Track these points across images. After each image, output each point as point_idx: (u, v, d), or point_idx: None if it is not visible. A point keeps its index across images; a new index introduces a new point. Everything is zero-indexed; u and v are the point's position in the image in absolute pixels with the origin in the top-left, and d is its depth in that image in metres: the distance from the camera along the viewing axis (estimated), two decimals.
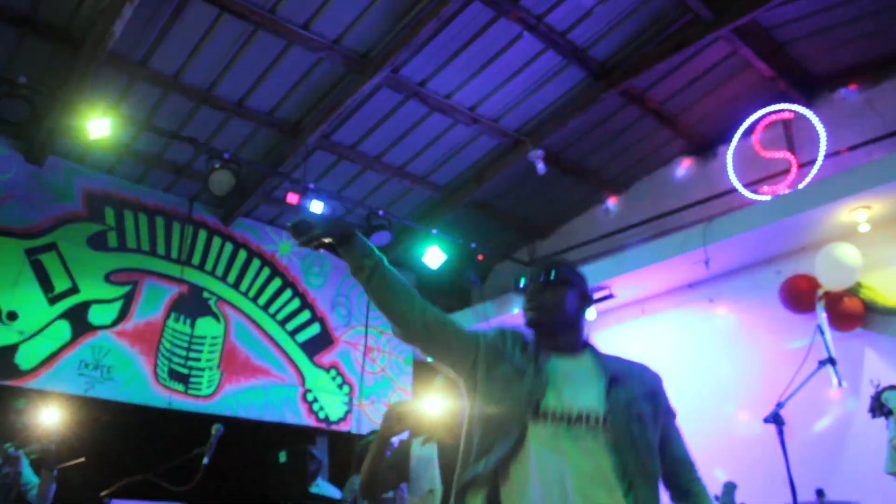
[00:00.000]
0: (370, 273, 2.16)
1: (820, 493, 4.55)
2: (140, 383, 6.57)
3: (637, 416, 2.05)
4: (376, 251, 2.21)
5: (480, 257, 7.47)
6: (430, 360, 2.28)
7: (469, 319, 8.05)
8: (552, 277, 2.28)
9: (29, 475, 4.93)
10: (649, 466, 2.02)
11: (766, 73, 6.46)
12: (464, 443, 2.15)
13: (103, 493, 4.19)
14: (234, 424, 4.85)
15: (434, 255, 7.16)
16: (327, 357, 7.83)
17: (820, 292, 5.70)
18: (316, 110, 6.44)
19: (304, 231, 2.15)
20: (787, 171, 6.35)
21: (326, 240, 2.17)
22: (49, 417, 4.98)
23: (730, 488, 4.13)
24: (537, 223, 8.49)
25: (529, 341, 2.25)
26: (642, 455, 2.01)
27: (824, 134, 6.14)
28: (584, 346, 2.29)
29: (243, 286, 7.51)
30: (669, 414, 2.22)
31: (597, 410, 2.04)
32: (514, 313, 7.64)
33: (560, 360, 2.19)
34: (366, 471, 3.20)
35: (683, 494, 2.21)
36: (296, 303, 7.87)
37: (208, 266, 7.34)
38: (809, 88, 6.61)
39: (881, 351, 5.63)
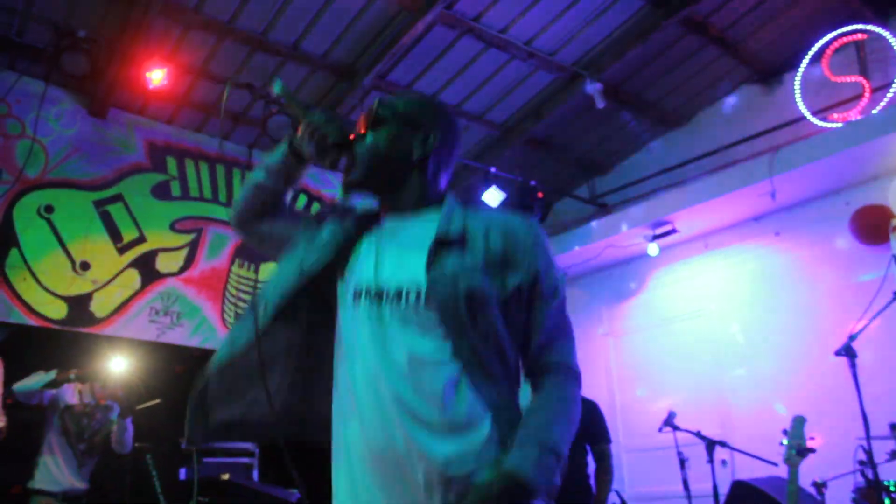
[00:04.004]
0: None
1: (894, 427, 4.45)
2: (209, 329, 6.75)
3: (467, 294, 1.53)
4: None
5: (540, 195, 7.40)
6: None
7: None
8: (370, 120, 1.75)
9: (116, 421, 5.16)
10: (483, 356, 1.53)
11: None
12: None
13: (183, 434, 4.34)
14: None
15: (492, 194, 7.11)
16: None
17: (893, 223, 5.51)
18: (370, 51, 6.38)
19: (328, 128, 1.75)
20: (859, 97, 6.08)
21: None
22: (130, 365, 5.14)
23: (799, 422, 4.07)
24: (597, 159, 8.35)
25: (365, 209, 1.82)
26: (476, 342, 1.52)
27: None
28: (433, 201, 1.74)
29: None
30: (537, 289, 1.61)
31: (417, 284, 1.56)
32: (575, 251, 7.60)
33: (393, 224, 1.72)
34: None
35: (535, 387, 1.61)
36: None
37: None
38: (885, 6, 6.27)
39: None
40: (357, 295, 1.61)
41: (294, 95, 1.84)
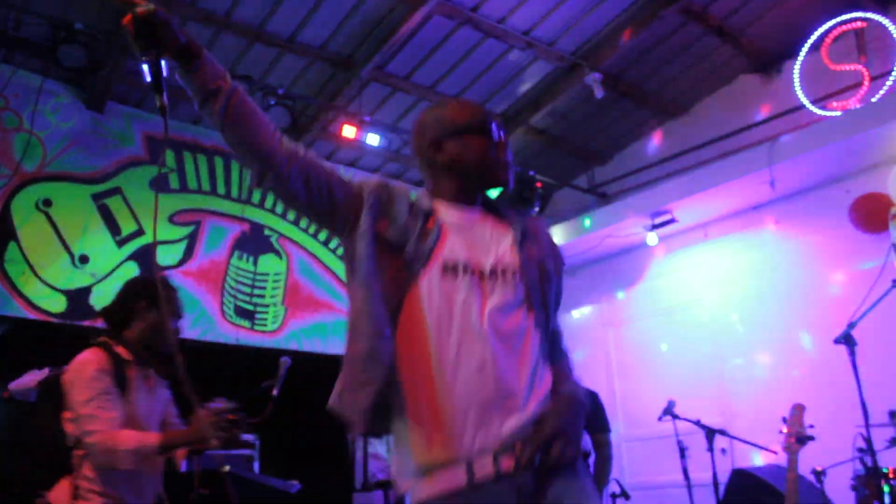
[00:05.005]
0: (229, 97, 1.74)
1: (893, 414, 4.46)
2: (208, 321, 6.75)
3: (547, 275, 1.94)
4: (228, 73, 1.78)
5: (539, 185, 7.39)
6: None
7: None
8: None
9: None
10: (549, 324, 1.93)
11: None
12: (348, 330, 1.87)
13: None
14: (300, 358, 4.94)
15: None
16: None
17: (893, 211, 5.51)
18: (368, 42, 6.37)
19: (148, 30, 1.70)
20: (858, 85, 6.06)
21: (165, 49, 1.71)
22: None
23: (798, 410, 4.08)
24: (596, 148, 8.33)
25: (415, 196, 1.97)
26: (549, 312, 1.93)
27: None
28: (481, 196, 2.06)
29: (303, 223, 7.59)
30: (561, 274, 2.04)
31: (513, 265, 1.88)
32: (574, 241, 7.59)
33: (459, 212, 1.95)
34: None
35: (552, 345, 2.00)
36: None
37: (268, 204, 7.42)
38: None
39: None
40: (448, 269, 1.83)
41: None
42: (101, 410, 2.71)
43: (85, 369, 2.80)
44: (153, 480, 2.96)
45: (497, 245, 1.92)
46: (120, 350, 2.93)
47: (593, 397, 4.97)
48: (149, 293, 3.06)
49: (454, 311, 1.79)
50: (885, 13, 6.05)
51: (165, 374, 3.10)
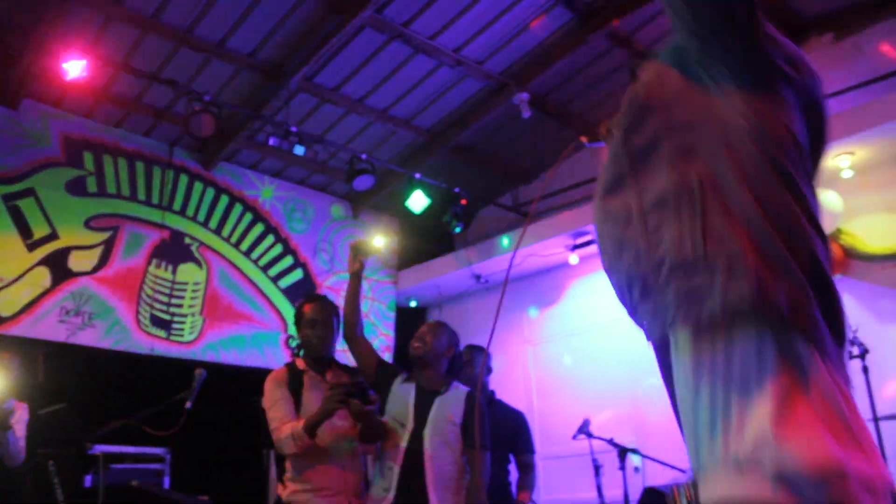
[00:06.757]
0: None
1: None
2: (122, 330, 6.55)
3: None
4: None
5: (464, 202, 7.44)
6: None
7: (452, 265, 8.06)
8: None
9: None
10: None
11: None
12: None
13: (90, 439, 4.18)
14: (216, 370, 4.84)
15: (417, 200, 7.12)
16: None
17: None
18: (298, 52, 6.31)
19: None
20: None
21: None
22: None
23: None
24: (521, 168, 8.44)
25: None
26: None
27: None
28: None
29: (225, 232, 7.45)
30: None
31: None
32: (497, 259, 7.66)
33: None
34: (344, 310, 3.86)
35: None
36: (278, 248, 7.82)
37: (189, 212, 7.26)
38: (796, 31, 6.53)
39: (860, 297, 5.69)
40: None
41: None
42: (274, 411, 3.48)
43: (267, 383, 3.61)
44: (346, 469, 3.52)
45: None
46: (298, 362, 3.69)
47: (520, 418, 5.00)
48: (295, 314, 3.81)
49: None
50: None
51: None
